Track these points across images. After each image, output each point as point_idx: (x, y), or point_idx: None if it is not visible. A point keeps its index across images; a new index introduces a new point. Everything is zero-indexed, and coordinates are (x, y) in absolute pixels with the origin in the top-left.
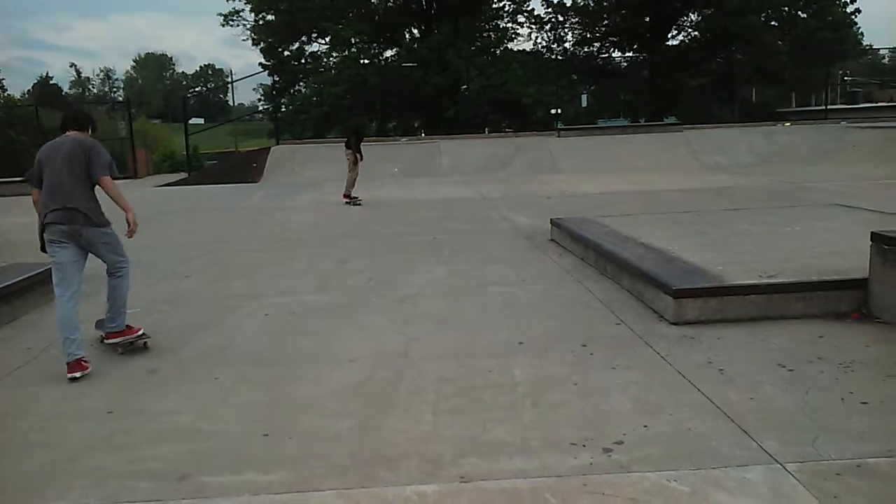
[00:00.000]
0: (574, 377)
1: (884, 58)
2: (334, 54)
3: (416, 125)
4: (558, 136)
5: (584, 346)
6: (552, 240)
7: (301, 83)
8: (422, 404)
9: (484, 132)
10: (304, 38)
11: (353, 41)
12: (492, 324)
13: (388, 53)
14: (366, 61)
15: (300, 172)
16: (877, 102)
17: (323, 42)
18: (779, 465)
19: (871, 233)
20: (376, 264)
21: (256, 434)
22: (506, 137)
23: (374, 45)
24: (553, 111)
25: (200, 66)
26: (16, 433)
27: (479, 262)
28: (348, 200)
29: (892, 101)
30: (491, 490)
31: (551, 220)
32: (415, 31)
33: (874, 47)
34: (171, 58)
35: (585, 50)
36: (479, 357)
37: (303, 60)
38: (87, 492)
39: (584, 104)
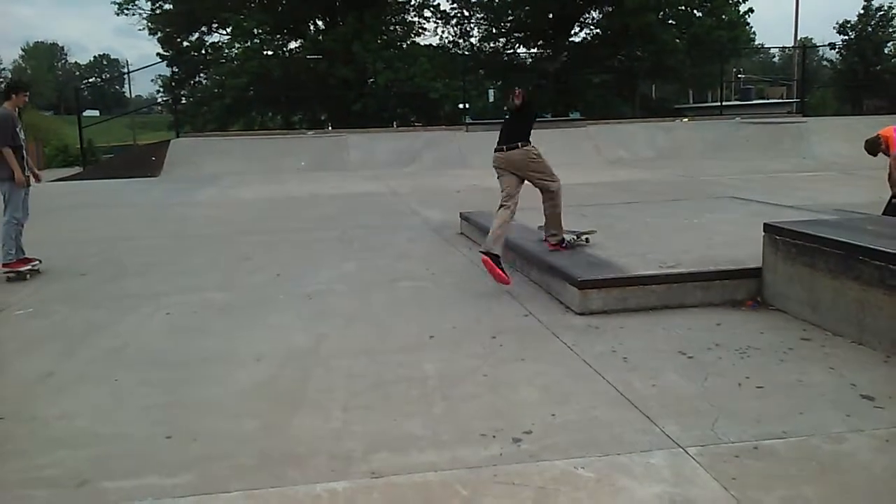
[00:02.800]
0: (484, 369)
1: (774, 56)
2: (236, 45)
3: (322, 118)
4: (466, 131)
5: (494, 338)
6: (462, 233)
7: (202, 74)
8: (331, 401)
9: (392, 126)
10: (203, 29)
11: (255, 32)
12: (402, 319)
13: (293, 45)
14: (269, 53)
15: (201, 166)
16: (768, 99)
17: (224, 32)
18: (680, 450)
19: (764, 224)
20: (283, 260)
21: (159, 437)
22: (414, 131)
23: (278, 36)
24: (461, 106)
25: (94, 57)
26: None
27: (390, 258)
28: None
29: (781, 97)
30: (402, 484)
31: (461, 214)
32: (319, 22)
33: (766, 46)
34: (62, 47)
35: (491, 45)
36: (390, 352)
37: (203, 51)
38: None
39: (492, 99)
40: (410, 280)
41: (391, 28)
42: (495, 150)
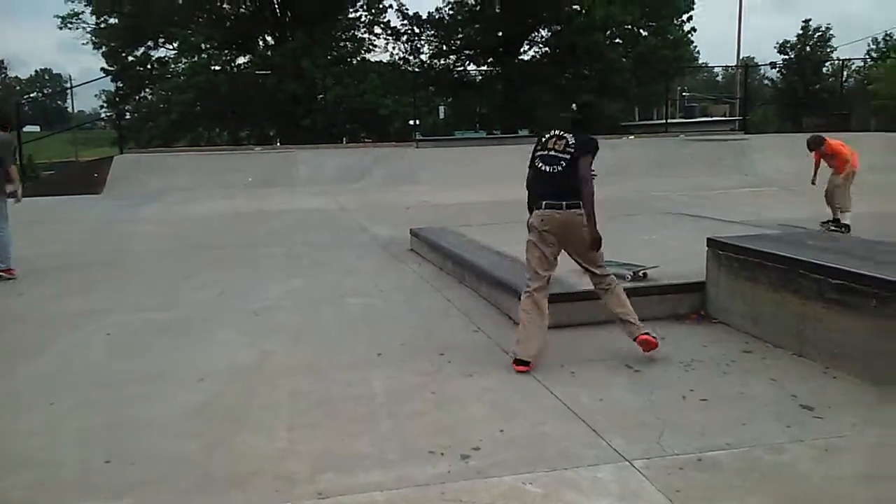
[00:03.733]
0: (432, 386)
1: (717, 75)
2: (183, 60)
3: (271, 134)
4: (416, 147)
5: (442, 354)
6: (411, 250)
7: (147, 90)
8: (276, 420)
9: (342, 142)
10: (150, 43)
11: (203, 47)
12: (350, 336)
13: (241, 60)
14: (217, 68)
15: (146, 183)
16: (712, 116)
17: (171, 47)
18: (627, 463)
19: (707, 239)
20: (228, 277)
21: (97, 461)
22: (364, 147)
23: (226, 51)
24: (411, 122)
25: (36, 71)
26: None
27: (338, 274)
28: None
29: (725, 115)
30: None
31: (410, 230)
32: (268, 38)
33: (709, 65)
34: (1, 61)
35: (442, 62)
36: (337, 370)
37: (149, 66)
38: None
39: (442, 116)
40: (359, 296)
41: (341, 44)
42: (548, 207)
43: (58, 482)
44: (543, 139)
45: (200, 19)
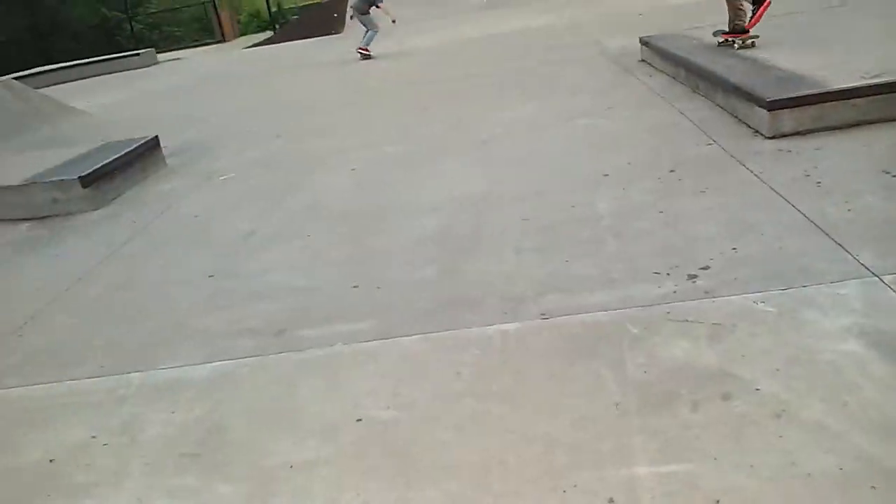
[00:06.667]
0: (660, 205)
1: None
2: None
3: None
4: None
5: (673, 171)
6: (643, 60)
7: None
8: (503, 245)
9: None
10: None
11: None
12: (577, 157)
13: None
14: None
15: (382, 17)
16: None
17: None
18: (876, 279)
19: None
20: (460, 109)
21: (346, 287)
22: None
23: None
24: None
25: None
26: (126, 302)
27: (566, 94)
28: None
29: None
30: (571, 324)
31: (640, 38)
32: None
33: None
34: None
35: None
36: (562, 193)
37: None
38: (193, 352)
39: None
40: (586, 116)
41: None
42: None
43: (313, 307)
44: None
45: None
